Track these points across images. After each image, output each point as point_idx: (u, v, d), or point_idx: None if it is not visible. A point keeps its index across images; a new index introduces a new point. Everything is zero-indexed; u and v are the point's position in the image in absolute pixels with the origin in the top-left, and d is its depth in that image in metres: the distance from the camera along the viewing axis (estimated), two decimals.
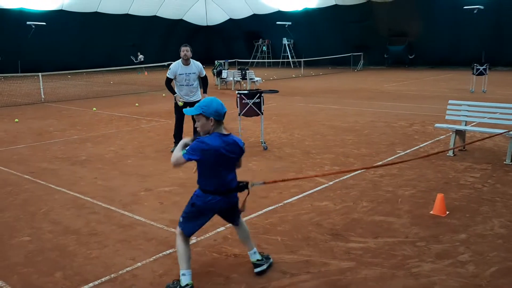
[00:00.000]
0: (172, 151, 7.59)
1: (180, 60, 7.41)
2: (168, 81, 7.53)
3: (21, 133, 9.75)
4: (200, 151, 3.11)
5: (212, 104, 3.15)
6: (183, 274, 3.24)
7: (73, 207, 5.04)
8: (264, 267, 3.52)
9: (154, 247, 3.98)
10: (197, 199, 3.26)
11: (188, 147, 3.16)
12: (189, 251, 3.33)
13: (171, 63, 7.60)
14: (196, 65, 7.51)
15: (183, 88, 7.50)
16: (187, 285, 3.22)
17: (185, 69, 7.39)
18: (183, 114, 7.72)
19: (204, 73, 7.66)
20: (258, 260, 3.54)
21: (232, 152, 3.20)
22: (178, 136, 7.77)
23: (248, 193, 3.31)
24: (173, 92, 7.59)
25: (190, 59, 7.42)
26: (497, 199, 5.00)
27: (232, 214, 3.47)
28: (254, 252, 3.56)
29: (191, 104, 7.72)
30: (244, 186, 3.30)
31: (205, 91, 7.73)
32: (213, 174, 3.20)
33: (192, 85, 7.53)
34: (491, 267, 3.51)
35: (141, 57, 31.55)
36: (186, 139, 3.32)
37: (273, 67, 37.35)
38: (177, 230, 3.35)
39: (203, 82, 7.73)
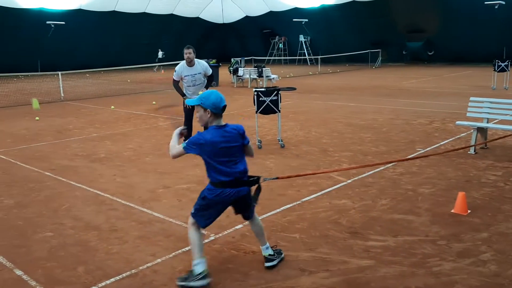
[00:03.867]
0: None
1: (184, 61, 7.41)
2: (175, 82, 7.55)
3: (42, 131, 9.93)
4: (199, 145, 3.18)
5: (210, 97, 3.19)
6: (197, 264, 3.24)
7: (93, 204, 5.13)
8: (275, 262, 3.55)
9: (173, 243, 4.02)
10: (208, 192, 3.27)
11: (188, 140, 3.25)
12: (202, 240, 3.34)
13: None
14: (201, 65, 7.48)
15: (191, 88, 7.55)
16: (202, 272, 3.20)
17: (190, 70, 7.40)
18: (193, 113, 7.76)
19: (210, 71, 7.58)
20: (270, 255, 3.57)
21: (231, 141, 3.21)
22: (187, 135, 7.80)
23: (259, 188, 3.31)
24: (182, 94, 7.59)
25: (194, 60, 7.40)
26: None
27: (243, 207, 3.44)
28: (267, 248, 3.58)
29: None
30: (255, 180, 3.30)
31: (206, 87, 7.63)
32: (219, 166, 3.19)
33: (200, 84, 7.54)
34: None
35: (161, 53, 31.87)
36: (178, 128, 3.46)
37: (289, 64, 37.24)
38: (190, 221, 3.35)
39: (208, 79, 7.68)
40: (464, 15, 29.08)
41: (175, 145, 3.38)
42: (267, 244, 3.59)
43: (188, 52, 7.29)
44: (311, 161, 6.72)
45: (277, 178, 3.51)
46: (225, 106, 3.24)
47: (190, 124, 7.80)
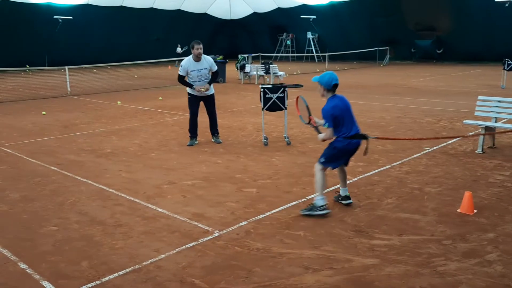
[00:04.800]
0: (188, 145, 7.67)
1: (191, 56, 7.43)
2: (181, 78, 7.56)
3: (48, 126, 9.99)
4: (332, 114, 4.37)
5: (325, 77, 4.50)
6: (321, 198, 4.45)
7: (98, 199, 5.14)
8: (351, 201, 4.72)
9: (177, 239, 4.02)
10: (338, 143, 4.45)
11: (324, 120, 4.44)
12: (326, 182, 4.63)
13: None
14: (207, 60, 7.50)
15: (196, 83, 7.55)
16: (324, 205, 4.45)
17: (196, 65, 7.42)
18: (198, 109, 7.78)
19: (215, 68, 7.62)
20: (347, 196, 4.72)
21: (347, 105, 4.52)
22: (193, 131, 7.83)
23: (368, 141, 4.45)
24: (189, 85, 7.58)
25: (202, 55, 7.43)
26: None
27: (351, 155, 4.64)
28: (345, 190, 4.74)
29: (206, 97, 7.76)
30: (365, 135, 4.45)
31: (209, 83, 7.62)
32: (344, 124, 4.41)
33: (205, 80, 7.56)
34: None
35: (179, 49, 31.92)
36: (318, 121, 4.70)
37: (297, 61, 37.13)
38: (317, 167, 4.56)
39: (213, 75, 7.67)
40: (475, 13, 28.77)
41: (323, 133, 4.55)
42: (347, 188, 4.78)
43: (200, 48, 7.32)
44: (317, 159, 6.67)
45: (377, 137, 4.92)
46: (336, 85, 4.48)
47: (196, 117, 7.80)
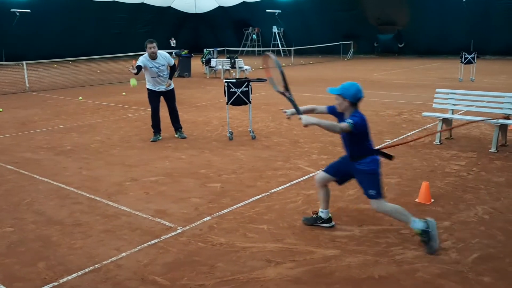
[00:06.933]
0: (152, 141, 7.56)
1: (147, 54, 7.30)
2: (138, 67, 7.24)
3: (4, 123, 9.59)
4: (363, 125, 3.64)
5: (350, 89, 3.66)
6: (415, 222, 3.64)
7: (57, 198, 4.98)
8: (334, 224, 4.09)
9: (138, 237, 3.95)
10: (376, 165, 3.75)
11: (350, 121, 3.57)
12: (401, 207, 3.83)
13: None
14: (163, 56, 7.43)
15: (156, 79, 7.47)
16: (424, 224, 3.61)
17: (154, 63, 7.33)
18: (159, 104, 7.68)
19: (172, 62, 7.63)
20: (330, 217, 4.06)
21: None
22: (156, 127, 7.73)
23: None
24: (136, 72, 7.20)
25: (157, 53, 7.33)
26: (481, 187, 5.04)
27: None
28: (328, 211, 4.04)
29: (165, 92, 7.66)
30: (390, 156, 3.97)
31: (170, 78, 7.61)
32: (369, 140, 3.76)
33: (164, 75, 7.50)
34: (473, 253, 3.55)
35: (172, 42, 31.18)
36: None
37: (263, 55, 37.16)
38: (376, 203, 3.72)
39: (171, 69, 7.68)
40: (433, 8, 29.66)
41: (334, 123, 3.68)
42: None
43: (153, 47, 7.20)
44: (281, 152, 6.73)
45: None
46: (361, 98, 3.69)
47: (157, 112, 7.69)
